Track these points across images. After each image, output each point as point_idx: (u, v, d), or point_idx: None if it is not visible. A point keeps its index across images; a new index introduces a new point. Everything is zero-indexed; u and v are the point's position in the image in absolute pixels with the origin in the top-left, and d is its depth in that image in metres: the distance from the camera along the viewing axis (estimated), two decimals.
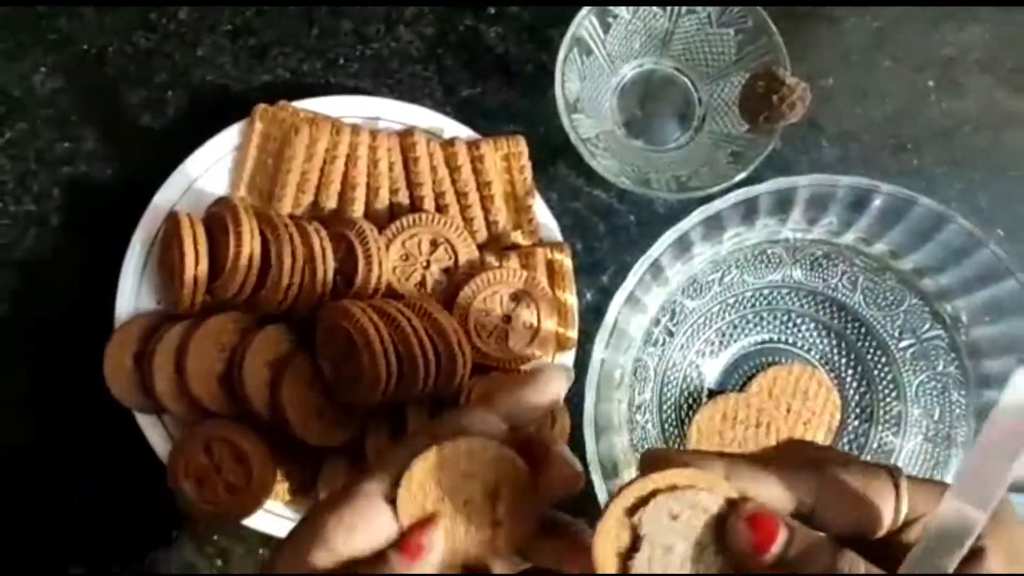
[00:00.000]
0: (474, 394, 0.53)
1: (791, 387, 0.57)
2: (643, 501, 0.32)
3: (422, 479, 0.35)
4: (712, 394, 0.58)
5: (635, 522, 0.31)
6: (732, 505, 0.32)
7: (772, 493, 0.32)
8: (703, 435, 0.56)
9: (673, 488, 0.32)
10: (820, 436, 0.56)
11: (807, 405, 0.56)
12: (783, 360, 0.58)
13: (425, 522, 0.34)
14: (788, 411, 0.56)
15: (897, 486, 0.32)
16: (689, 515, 0.32)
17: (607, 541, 0.32)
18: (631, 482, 0.32)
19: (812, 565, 0.30)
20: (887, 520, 0.32)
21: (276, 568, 0.34)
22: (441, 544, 0.35)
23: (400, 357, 0.51)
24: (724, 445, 0.56)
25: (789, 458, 0.33)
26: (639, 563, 0.31)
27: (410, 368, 0.51)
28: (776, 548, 0.30)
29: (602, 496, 0.49)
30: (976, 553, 0.31)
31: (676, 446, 0.57)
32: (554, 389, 0.39)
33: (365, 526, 0.34)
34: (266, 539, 0.55)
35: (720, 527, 0.31)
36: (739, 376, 0.58)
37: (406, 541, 0.34)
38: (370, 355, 0.50)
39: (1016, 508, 0.32)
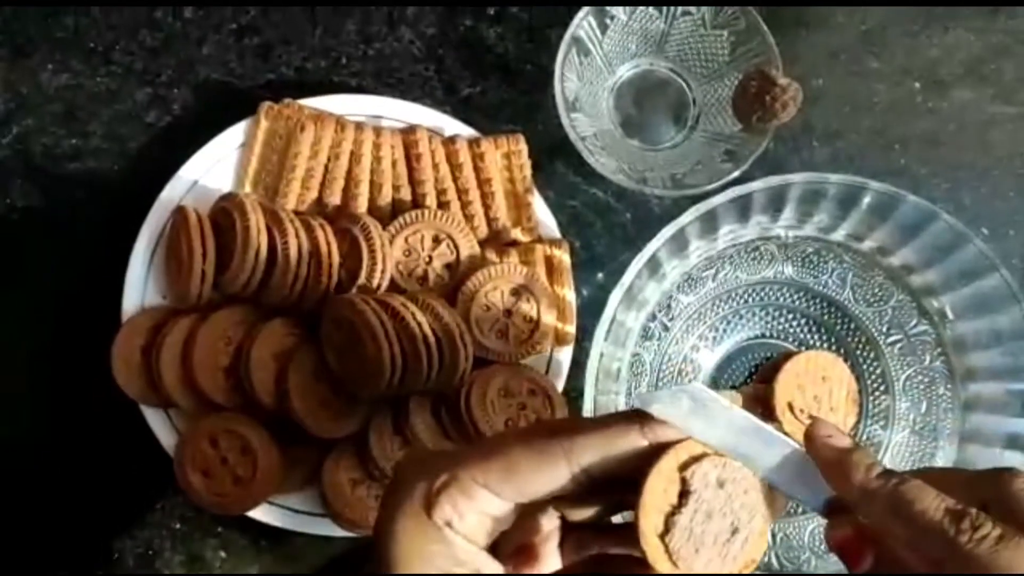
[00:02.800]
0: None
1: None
2: (695, 459, 0.31)
3: None
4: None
5: (686, 476, 0.30)
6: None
7: None
8: None
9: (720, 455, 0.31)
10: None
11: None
12: (773, 355, 0.59)
13: None
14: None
15: None
16: (732, 488, 0.31)
17: (655, 496, 0.30)
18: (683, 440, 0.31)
19: None
20: None
21: None
22: None
23: (404, 350, 0.52)
24: None
25: None
26: (682, 522, 0.30)
27: (414, 361, 0.52)
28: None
29: None
30: None
31: None
32: None
33: None
34: (270, 531, 0.56)
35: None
36: (732, 371, 0.59)
37: None
38: (375, 348, 0.51)
39: None
